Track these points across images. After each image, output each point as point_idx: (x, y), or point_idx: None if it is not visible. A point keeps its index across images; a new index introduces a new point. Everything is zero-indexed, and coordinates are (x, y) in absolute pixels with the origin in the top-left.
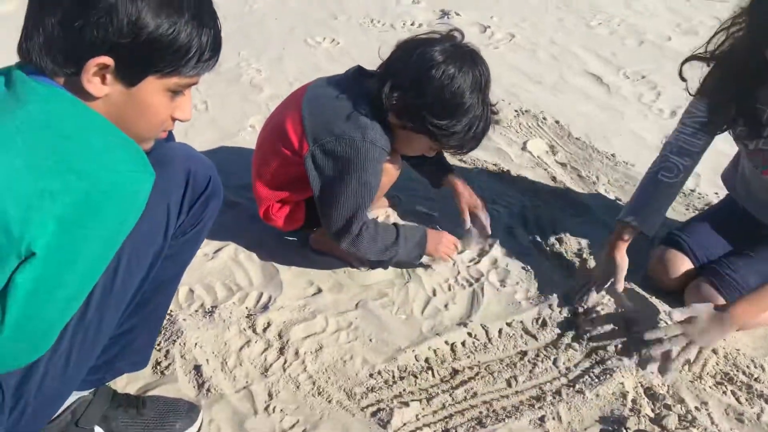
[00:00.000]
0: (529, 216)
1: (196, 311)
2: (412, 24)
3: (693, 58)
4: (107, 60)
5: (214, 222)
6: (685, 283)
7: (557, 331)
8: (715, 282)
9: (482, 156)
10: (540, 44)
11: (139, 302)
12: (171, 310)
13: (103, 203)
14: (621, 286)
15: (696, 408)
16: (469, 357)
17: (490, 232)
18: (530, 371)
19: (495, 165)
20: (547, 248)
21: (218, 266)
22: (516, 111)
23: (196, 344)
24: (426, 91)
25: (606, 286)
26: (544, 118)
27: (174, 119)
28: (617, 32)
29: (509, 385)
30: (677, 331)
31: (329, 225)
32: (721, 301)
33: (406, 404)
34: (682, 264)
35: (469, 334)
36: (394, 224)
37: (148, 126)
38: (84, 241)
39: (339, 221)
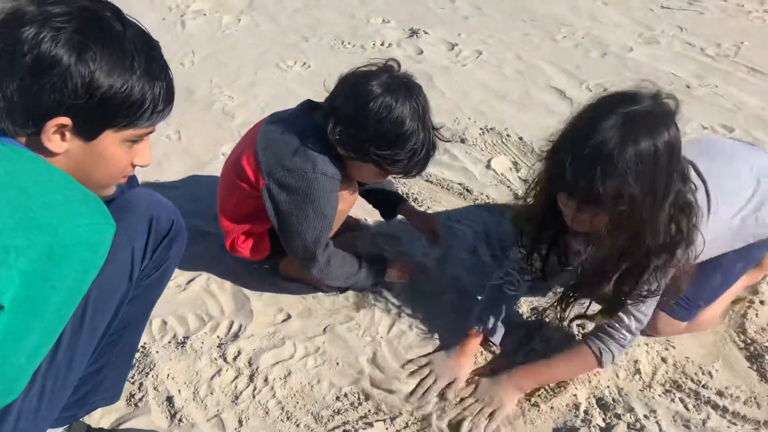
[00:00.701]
0: (492, 234)
1: (169, 342)
2: (382, 44)
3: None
4: (65, 120)
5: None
6: None
7: (516, 345)
8: (664, 310)
9: (448, 175)
10: (506, 60)
11: (108, 342)
12: (144, 343)
13: (66, 256)
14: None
15: (645, 416)
16: None
17: (441, 243)
18: None
19: (460, 184)
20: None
21: (191, 297)
22: (481, 129)
23: (168, 375)
24: (367, 124)
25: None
26: (508, 135)
27: (134, 165)
28: (582, 45)
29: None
30: (468, 398)
31: (294, 255)
32: (677, 324)
33: (371, 425)
34: None
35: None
36: (357, 254)
37: (108, 175)
38: (49, 292)
39: (303, 251)
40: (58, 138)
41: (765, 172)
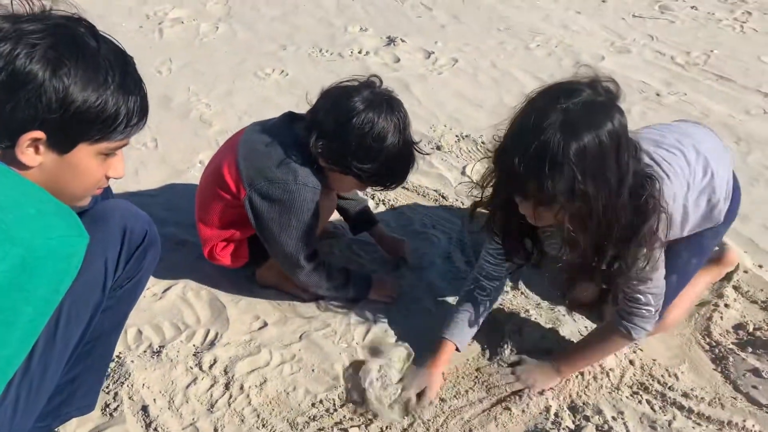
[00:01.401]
0: (466, 241)
1: (144, 352)
2: (360, 52)
3: (477, 206)
4: (39, 134)
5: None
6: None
7: (488, 352)
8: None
9: (423, 182)
10: (481, 68)
11: (82, 352)
12: (120, 352)
13: (38, 268)
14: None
15: (613, 418)
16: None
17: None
18: (463, 392)
19: (435, 191)
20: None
21: (167, 305)
22: (457, 136)
23: (143, 385)
24: (349, 139)
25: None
26: (483, 142)
27: (108, 178)
28: (555, 53)
29: (442, 402)
30: (509, 374)
31: (281, 263)
32: None
33: (346, 431)
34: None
35: (408, 357)
36: (345, 268)
37: (82, 187)
38: (23, 303)
39: (286, 258)
40: (32, 151)
41: (712, 153)
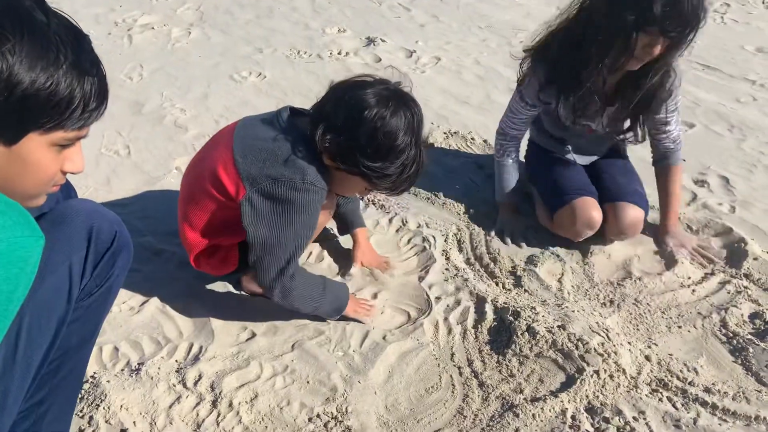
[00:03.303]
0: (463, 238)
1: (122, 370)
2: (339, 53)
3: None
4: None
5: (137, 273)
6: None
7: (497, 353)
8: (633, 202)
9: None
10: (465, 65)
11: (48, 371)
12: (94, 372)
13: None
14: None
15: (634, 418)
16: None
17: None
18: (470, 397)
19: (427, 188)
20: (482, 268)
21: (145, 319)
22: (445, 133)
23: (121, 407)
24: (359, 134)
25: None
26: (473, 138)
27: (65, 172)
28: None
29: (458, 413)
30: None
31: (263, 271)
32: (640, 211)
33: None
34: (595, 206)
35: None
36: (321, 277)
37: (35, 183)
38: None
39: (273, 267)
40: None
41: None
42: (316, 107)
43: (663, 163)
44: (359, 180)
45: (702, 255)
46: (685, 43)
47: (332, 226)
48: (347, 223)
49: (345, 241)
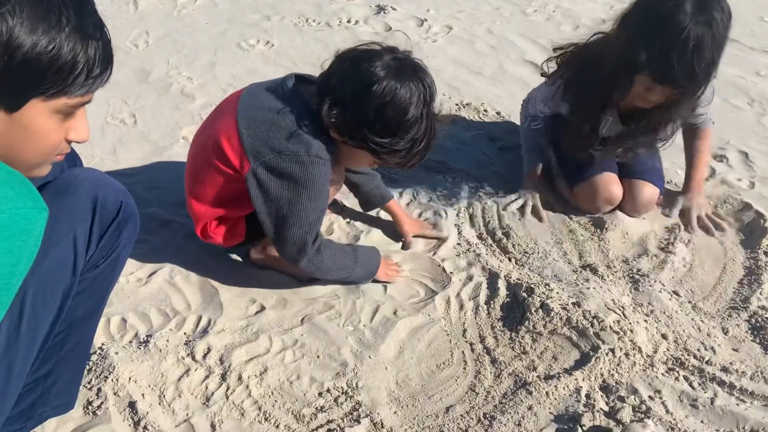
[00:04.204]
0: (475, 212)
1: (130, 342)
2: (348, 21)
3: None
4: None
5: (145, 244)
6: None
7: (509, 329)
8: (649, 180)
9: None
10: (478, 35)
11: (54, 344)
12: (102, 344)
13: None
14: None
15: (650, 397)
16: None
17: (445, 235)
18: (482, 373)
19: (438, 162)
20: (494, 243)
21: (153, 291)
22: (457, 105)
23: (130, 378)
24: (366, 109)
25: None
26: (485, 110)
27: (70, 141)
28: (553, 18)
29: (470, 389)
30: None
31: (282, 245)
32: (655, 189)
33: (357, 421)
34: (615, 182)
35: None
36: (351, 245)
37: (38, 152)
38: None
39: (293, 242)
40: None
41: None
42: (322, 78)
43: (692, 129)
44: (367, 154)
45: (712, 221)
46: (687, 100)
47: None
48: (375, 198)
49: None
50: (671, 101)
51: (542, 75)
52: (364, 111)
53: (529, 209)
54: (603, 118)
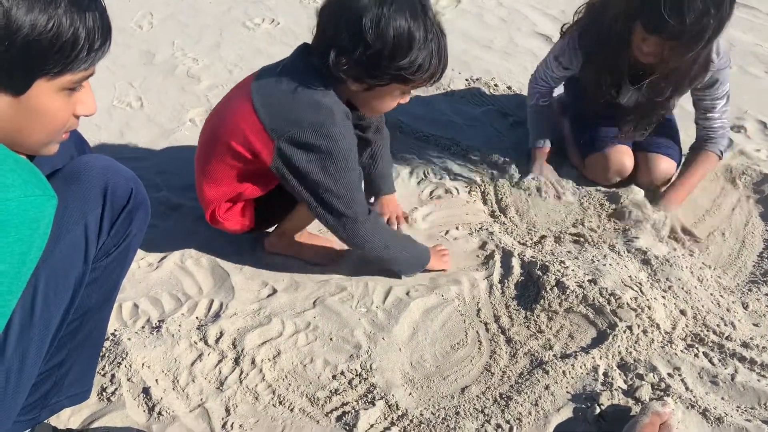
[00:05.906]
0: (487, 190)
1: (142, 328)
2: None
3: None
4: None
5: (154, 229)
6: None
7: (524, 308)
8: (666, 154)
9: (434, 130)
10: (486, 7)
11: (67, 333)
12: (115, 330)
13: None
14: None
15: (669, 374)
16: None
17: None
18: (497, 353)
19: (449, 138)
20: (508, 221)
21: (164, 276)
22: (467, 80)
23: (143, 364)
24: (370, 43)
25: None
26: (496, 85)
27: (78, 116)
28: None
29: (486, 369)
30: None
31: (332, 224)
32: (672, 163)
33: (372, 404)
34: (627, 154)
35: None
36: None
37: (48, 131)
38: None
39: (341, 216)
40: None
41: None
42: (316, 39)
43: (698, 147)
44: (394, 87)
45: (676, 237)
46: (684, 52)
47: None
48: (376, 187)
49: None
50: (668, 58)
51: (561, 33)
52: (368, 45)
53: (543, 187)
54: (621, 62)
